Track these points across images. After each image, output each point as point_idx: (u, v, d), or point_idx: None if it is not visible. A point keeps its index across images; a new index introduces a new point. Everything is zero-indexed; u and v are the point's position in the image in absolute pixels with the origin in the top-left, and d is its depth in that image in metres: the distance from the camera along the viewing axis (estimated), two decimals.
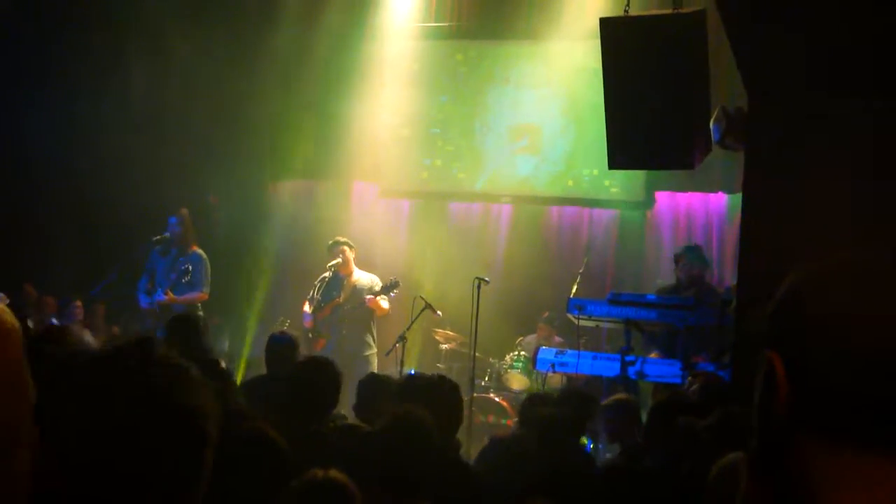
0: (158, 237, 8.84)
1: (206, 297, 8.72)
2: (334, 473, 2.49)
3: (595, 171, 10.39)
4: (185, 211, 8.85)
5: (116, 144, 10.29)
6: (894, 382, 0.97)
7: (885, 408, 0.98)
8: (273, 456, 2.61)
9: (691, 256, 7.67)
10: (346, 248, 8.92)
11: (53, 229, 10.37)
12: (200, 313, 8.59)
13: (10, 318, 1.19)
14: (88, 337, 4.64)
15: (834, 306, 1.03)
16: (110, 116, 10.28)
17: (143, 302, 8.66)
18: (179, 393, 1.16)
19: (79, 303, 9.71)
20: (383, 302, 8.72)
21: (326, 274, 8.91)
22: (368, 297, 8.66)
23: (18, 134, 10.53)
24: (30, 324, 5.20)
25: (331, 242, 9.01)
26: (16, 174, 10.63)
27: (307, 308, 8.85)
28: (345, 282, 8.89)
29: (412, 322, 8.38)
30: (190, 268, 8.52)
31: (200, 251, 8.77)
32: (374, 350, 8.78)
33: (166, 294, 8.48)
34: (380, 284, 8.76)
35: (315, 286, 8.92)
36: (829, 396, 1.01)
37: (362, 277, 8.89)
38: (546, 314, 9.26)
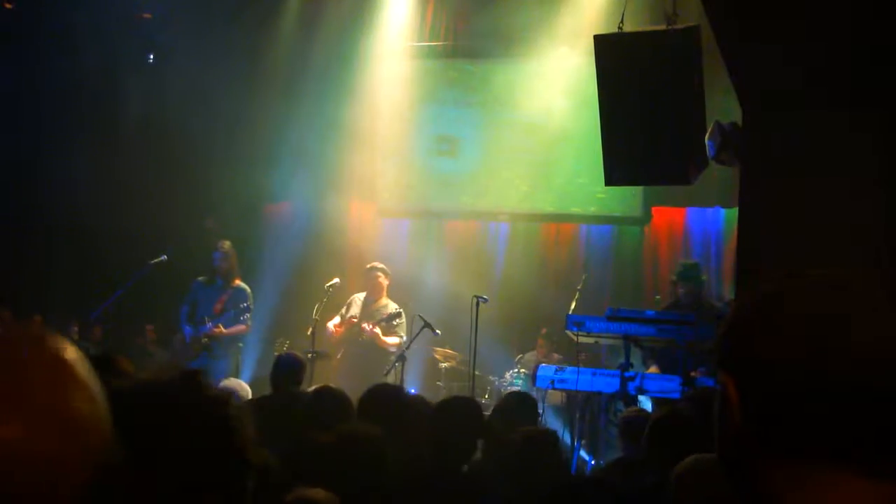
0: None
1: (249, 330, 8.90)
2: (318, 492, 2.49)
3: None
4: (227, 244, 8.96)
5: (112, 168, 10.29)
6: (839, 403, 1.00)
7: (832, 426, 1.00)
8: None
9: (690, 276, 7.64)
10: (380, 273, 9.07)
11: (49, 253, 10.36)
12: (241, 345, 8.89)
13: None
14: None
15: (780, 330, 1.04)
16: (107, 140, 10.30)
17: (188, 333, 8.73)
18: (230, 423, 1.23)
19: (75, 327, 9.66)
20: (390, 338, 8.76)
21: (361, 294, 9.10)
22: (364, 325, 8.75)
23: (16, 158, 10.55)
24: None
25: (368, 266, 9.15)
26: (12, 198, 10.63)
27: (331, 323, 8.98)
28: (371, 306, 9.01)
29: (411, 341, 8.38)
30: (247, 304, 8.69)
31: (244, 285, 8.92)
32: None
33: (217, 327, 8.58)
34: (401, 319, 8.87)
35: (347, 304, 9.10)
36: (777, 417, 1.03)
37: (388, 306, 9.00)
38: (544, 330, 9.26)
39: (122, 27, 10.65)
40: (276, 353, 9.32)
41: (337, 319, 9.05)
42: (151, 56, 11.24)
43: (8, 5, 10.72)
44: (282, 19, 10.82)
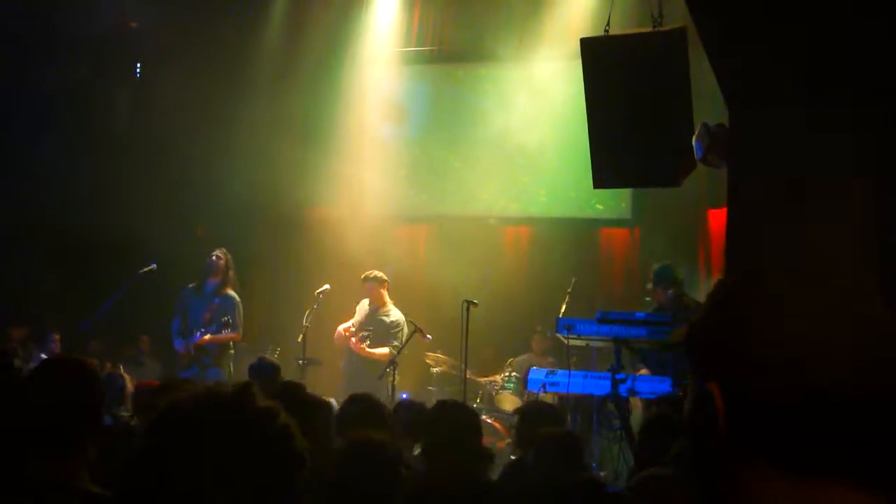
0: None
1: (240, 337, 8.88)
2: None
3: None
4: (223, 250, 8.96)
5: (102, 176, 10.27)
6: (835, 412, 0.97)
7: (824, 435, 0.97)
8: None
9: (664, 277, 7.61)
10: (374, 282, 8.91)
11: (39, 262, 10.33)
12: (232, 352, 8.82)
13: None
14: None
15: (778, 337, 1.01)
16: (97, 149, 10.27)
17: (178, 345, 8.74)
18: (287, 431, 1.35)
19: (56, 336, 9.60)
20: (380, 348, 8.69)
21: (366, 300, 8.99)
22: (353, 340, 8.69)
23: (5, 166, 10.51)
24: (17, 363, 5.14)
25: (362, 277, 9.00)
26: (1, 207, 10.59)
27: (341, 327, 8.90)
28: (373, 314, 8.91)
29: (402, 346, 8.36)
30: (228, 319, 8.64)
31: (234, 294, 8.88)
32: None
33: (204, 336, 8.58)
34: (399, 327, 8.75)
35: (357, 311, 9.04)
36: (767, 425, 0.99)
37: (391, 315, 8.87)
38: (539, 327, 9.29)
39: (109, 36, 10.64)
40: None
41: (349, 323, 8.92)
42: (139, 65, 11.22)
43: None
44: (268, 26, 10.82)
